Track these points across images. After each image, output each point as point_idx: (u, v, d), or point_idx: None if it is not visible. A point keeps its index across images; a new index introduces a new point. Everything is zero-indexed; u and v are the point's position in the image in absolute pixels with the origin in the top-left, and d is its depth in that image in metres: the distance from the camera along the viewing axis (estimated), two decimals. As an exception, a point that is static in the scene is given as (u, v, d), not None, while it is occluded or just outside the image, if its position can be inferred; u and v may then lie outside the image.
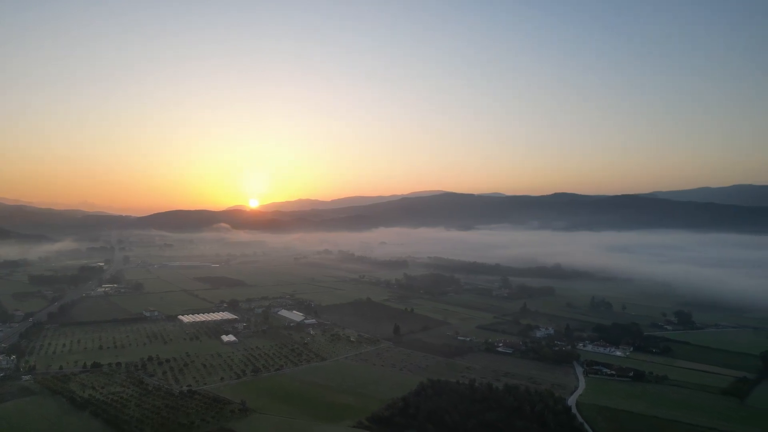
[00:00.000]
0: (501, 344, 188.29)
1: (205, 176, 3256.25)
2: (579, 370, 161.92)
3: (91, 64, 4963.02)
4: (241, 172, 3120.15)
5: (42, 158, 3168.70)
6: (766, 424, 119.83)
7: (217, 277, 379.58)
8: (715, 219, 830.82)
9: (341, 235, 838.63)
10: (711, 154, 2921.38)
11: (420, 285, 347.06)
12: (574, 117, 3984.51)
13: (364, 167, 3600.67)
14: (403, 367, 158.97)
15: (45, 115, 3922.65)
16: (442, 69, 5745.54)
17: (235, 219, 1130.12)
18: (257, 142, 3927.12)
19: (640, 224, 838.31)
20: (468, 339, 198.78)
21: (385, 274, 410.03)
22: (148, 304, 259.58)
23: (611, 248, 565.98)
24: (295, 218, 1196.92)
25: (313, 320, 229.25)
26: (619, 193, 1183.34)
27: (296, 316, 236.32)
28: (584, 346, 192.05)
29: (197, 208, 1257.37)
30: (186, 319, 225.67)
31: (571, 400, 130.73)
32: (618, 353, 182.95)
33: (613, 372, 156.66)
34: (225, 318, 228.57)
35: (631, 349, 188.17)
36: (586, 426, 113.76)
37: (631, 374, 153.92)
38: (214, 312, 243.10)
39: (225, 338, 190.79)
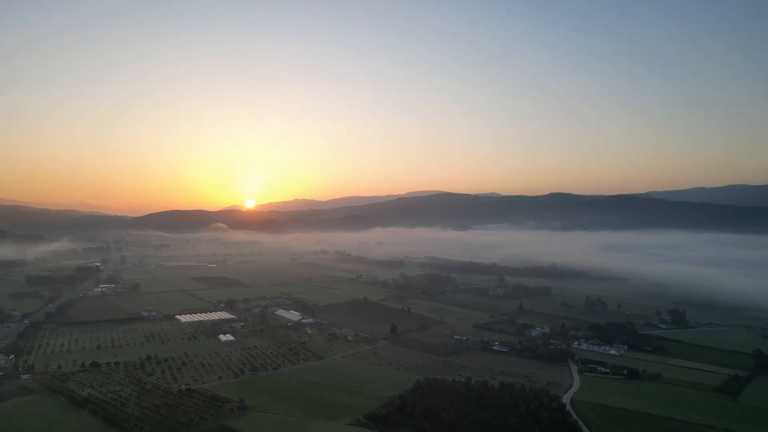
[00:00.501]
0: (497, 343, 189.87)
1: (202, 176, 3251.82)
2: (574, 368, 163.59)
3: (89, 64, 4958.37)
4: (237, 172, 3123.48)
5: (38, 158, 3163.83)
6: (758, 421, 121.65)
7: (214, 277, 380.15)
8: (711, 219, 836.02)
9: (338, 235, 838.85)
10: (706, 154, 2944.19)
11: (417, 285, 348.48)
12: (570, 117, 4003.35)
13: (361, 167, 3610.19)
14: (399, 366, 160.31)
15: (41, 115, 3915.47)
16: (438, 69, 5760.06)
17: (232, 219, 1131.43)
18: (254, 142, 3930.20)
19: (636, 224, 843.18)
20: (464, 338, 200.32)
21: (382, 274, 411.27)
22: (146, 304, 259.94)
23: (607, 248, 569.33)
24: (292, 218, 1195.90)
25: (311, 320, 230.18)
26: (616, 193, 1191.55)
27: (293, 315, 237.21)
28: (579, 344, 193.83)
29: (194, 209, 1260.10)
30: (183, 318, 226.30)
31: (566, 398, 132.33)
32: (612, 352, 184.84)
33: (607, 370, 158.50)
34: (222, 318, 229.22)
35: (626, 347, 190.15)
36: (581, 423, 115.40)
37: (625, 372, 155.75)
38: (211, 312, 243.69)
39: (223, 338, 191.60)
